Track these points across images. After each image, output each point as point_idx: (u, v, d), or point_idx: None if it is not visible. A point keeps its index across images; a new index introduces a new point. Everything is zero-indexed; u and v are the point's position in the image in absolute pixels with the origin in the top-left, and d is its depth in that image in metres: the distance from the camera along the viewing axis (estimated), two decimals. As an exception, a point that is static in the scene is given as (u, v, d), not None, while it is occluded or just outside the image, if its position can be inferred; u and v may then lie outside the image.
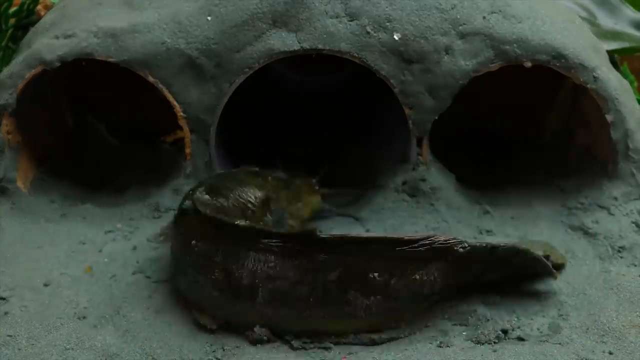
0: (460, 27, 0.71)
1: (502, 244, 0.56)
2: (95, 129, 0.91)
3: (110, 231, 0.71)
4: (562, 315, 0.58)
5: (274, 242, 0.52)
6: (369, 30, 0.71)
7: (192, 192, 0.61)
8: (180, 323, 0.57)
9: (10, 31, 0.99)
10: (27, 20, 1.00)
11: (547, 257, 0.59)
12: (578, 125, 0.81)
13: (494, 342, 0.55)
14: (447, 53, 0.71)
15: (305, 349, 0.54)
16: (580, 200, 0.73)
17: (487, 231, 0.70)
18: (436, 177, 0.74)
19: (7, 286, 0.62)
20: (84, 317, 0.58)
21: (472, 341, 0.55)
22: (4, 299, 0.60)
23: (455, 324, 0.57)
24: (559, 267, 0.59)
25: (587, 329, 0.56)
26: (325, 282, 0.52)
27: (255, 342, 0.55)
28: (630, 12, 1.07)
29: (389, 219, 0.72)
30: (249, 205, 0.64)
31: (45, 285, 0.62)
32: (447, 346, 0.54)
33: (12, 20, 0.99)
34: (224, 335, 0.56)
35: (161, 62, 0.72)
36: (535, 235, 0.70)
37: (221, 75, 0.72)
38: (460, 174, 0.76)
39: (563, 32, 0.72)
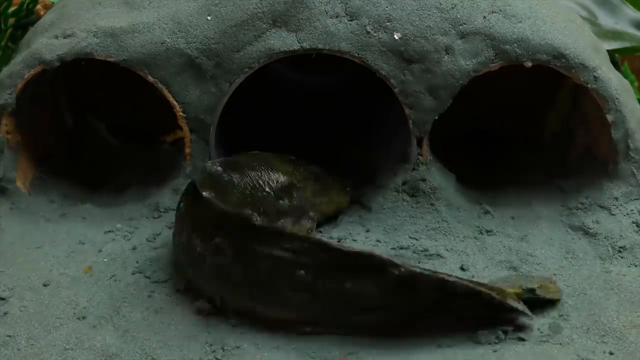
0: (460, 27, 0.71)
1: (459, 280, 0.54)
2: (95, 128, 0.91)
3: (109, 231, 0.71)
4: (562, 315, 0.58)
5: (221, 222, 0.57)
6: (369, 30, 0.71)
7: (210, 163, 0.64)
8: (180, 323, 0.57)
9: (9, 31, 0.99)
10: (26, 19, 1.00)
11: (532, 290, 0.57)
12: (578, 125, 0.81)
13: (494, 343, 0.55)
14: (447, 53, 0.71)
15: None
16: (581, 200, 0.73)
17: (487, 231, 0.70)
18: (436, 177, 0.73)
19: (6, 286, 0.62)
20: (84, 317, 0.58)
21: (472, 341, 0.55)
22: (3, 299, 0.60)
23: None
24: (547, 302, 0.59)
25: (588, 329, 0.56)
26: (257, 268, 0.55)
27: (198, 312, 0.58)
28: (630, 11, 1.07)
29: (389, 219, 0.72)
30: (266, 187, 0.66)
31: (45, 285, 0.62)
32: (447, 346, 0.54)
33: (11, 20, 0.99)
34: (224, 335, 0.56)
35: (161, 62, 0.72)
36: (536, 235, 0.70)
37: (221, 75, 0.72)
38: (460, 174, 0.76)
39: (563, 32, 0.72)
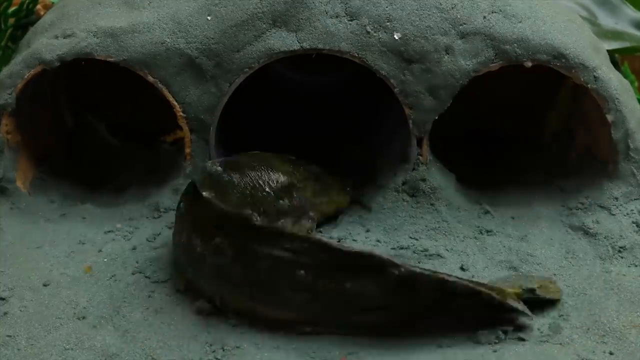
0: (460, 27, 0.71)
1: (459, 280, 0.54)
2: (95, 128, 0.91)
3: (109, 231, 0.71)
4: (562, 315, 0.58)
5: (221, 222, 0.57)
6: (369, 30, 0.71)
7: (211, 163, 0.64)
8: (180, 323, 0.57)
9: (9, 31, 0.99)
10: (26, 19, 1.00)
11: (532, 290, 0.57)
12: (578, 125, 0.81)
13: (494, 343, 0.55)
14: (447, 53, 0.71)
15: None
16: (581, 200, 0.73)
17: (487, 231, 0.70)
18: (436, 177, 0.73)
19: (6, 286, 0.62)
20: (84, 317, 0.58)
21: (472, 341, 0.55)
22: (3, 299, 0.60)
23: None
24: (547, 302, 0.59)
25: (588, 329, 0.56)
26: (257, 268, 0.55)
27: (198, 312, 0.58)
28: (630, 11, 1.07)
29: (389, 219, 0.72)
30: (266, 187, 0.66)
31: (45, 285, 0.62)
32: (447, 346, 0.54)
33: (11, 20, 0.99)
34: (224, 335, 0.56)
35: (161, 62, 0.72)
36: (536, 235, 0.70)
37: (221, 75, 0.72)
38: (460, 174, 0.76)
39: (563, 32, 0.72)
